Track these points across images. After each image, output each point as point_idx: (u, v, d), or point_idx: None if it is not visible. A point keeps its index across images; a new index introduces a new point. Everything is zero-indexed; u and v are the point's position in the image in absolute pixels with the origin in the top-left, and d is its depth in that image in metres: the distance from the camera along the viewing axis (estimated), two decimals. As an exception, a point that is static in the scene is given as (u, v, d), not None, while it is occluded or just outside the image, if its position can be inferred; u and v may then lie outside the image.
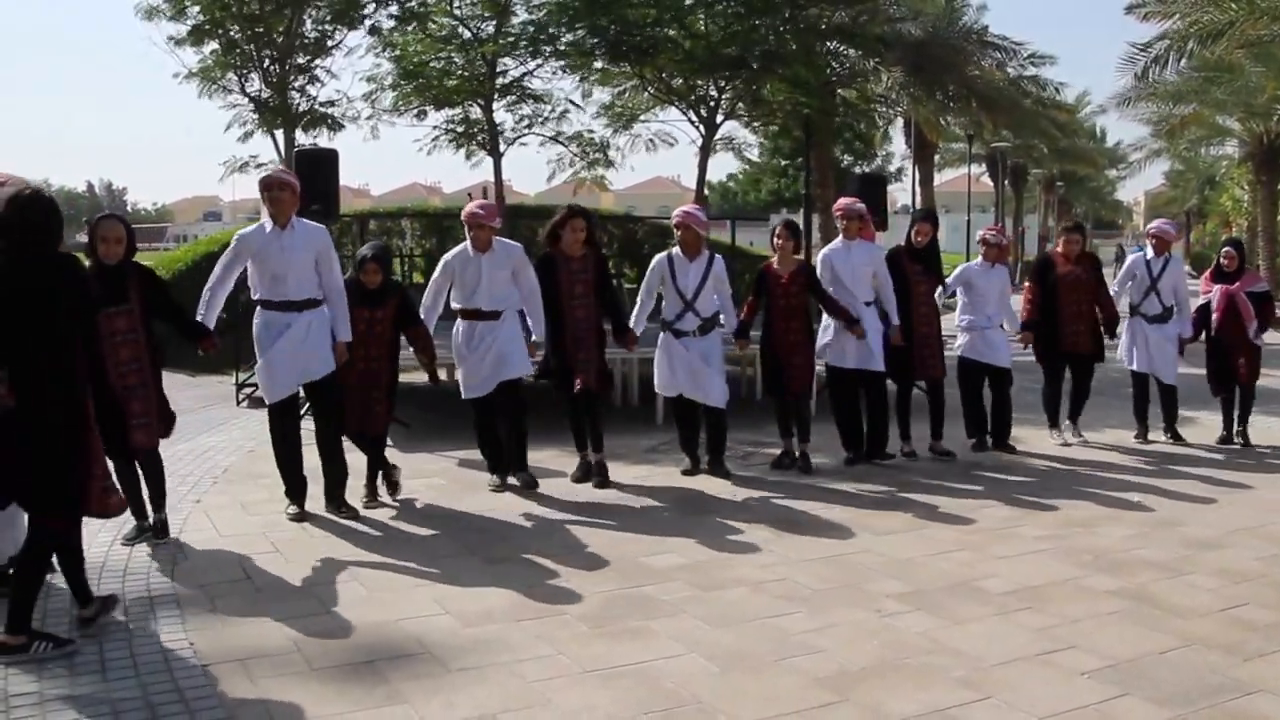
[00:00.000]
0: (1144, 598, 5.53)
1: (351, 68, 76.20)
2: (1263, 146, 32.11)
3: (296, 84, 21.35)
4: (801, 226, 13.68)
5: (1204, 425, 10.47)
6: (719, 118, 23.08)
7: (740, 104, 23.08)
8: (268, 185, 6.81)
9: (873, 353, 8.48)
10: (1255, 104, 29.38)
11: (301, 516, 6.86)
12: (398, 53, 21.01)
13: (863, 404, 8.73)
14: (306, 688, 4.34)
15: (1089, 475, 8.41)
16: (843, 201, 8.82)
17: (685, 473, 8.28)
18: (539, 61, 21.17)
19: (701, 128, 22.94)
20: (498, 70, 20.89)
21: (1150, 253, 9.85)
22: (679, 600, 5.44)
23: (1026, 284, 9.52)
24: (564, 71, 21.77)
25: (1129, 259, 10.28)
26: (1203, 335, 9.85)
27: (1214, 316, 9.72)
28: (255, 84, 21.29)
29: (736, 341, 8.54)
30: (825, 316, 8.67)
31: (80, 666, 4.48)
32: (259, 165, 23.09)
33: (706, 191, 25.68)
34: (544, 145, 22.77)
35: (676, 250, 8.18)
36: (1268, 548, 6.46)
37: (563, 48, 20.80)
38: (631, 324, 8.20)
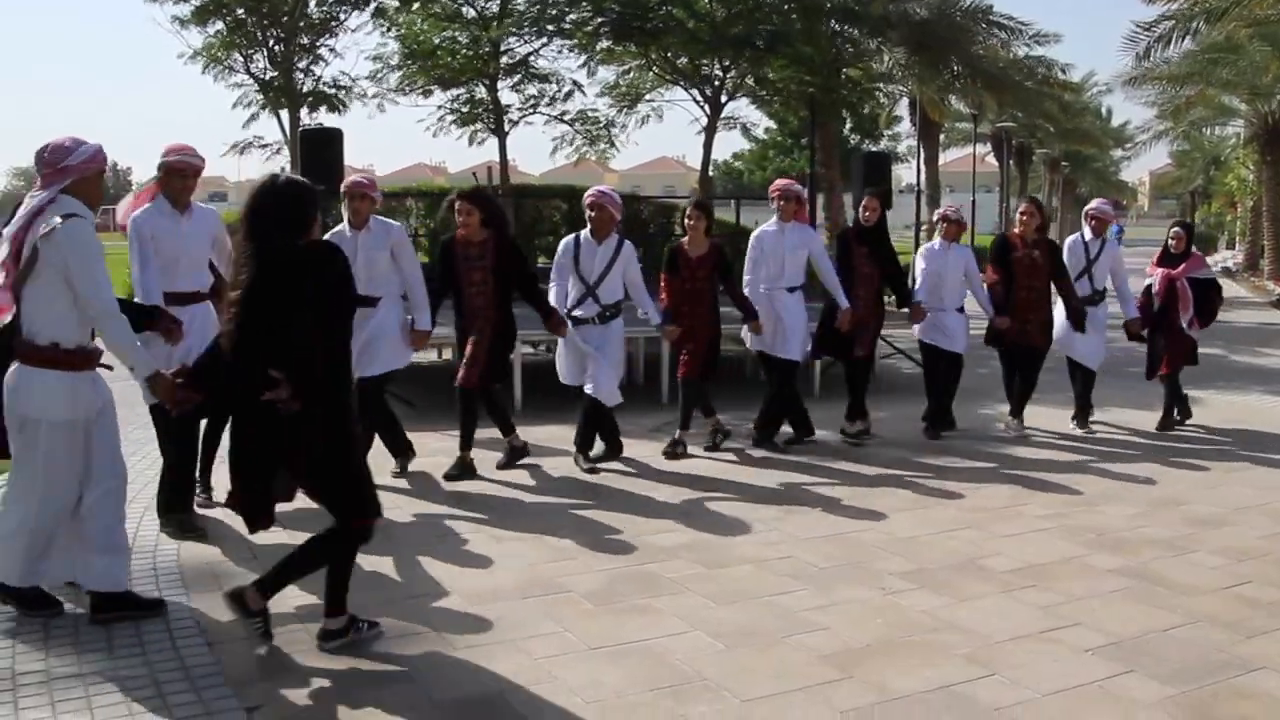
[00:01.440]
0: (1147, 575, 5.54)
1: (356, 47, 76.00)
2: (1268, 127, 31.99)
3: (301, 64, 21.33)
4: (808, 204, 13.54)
5: (1210, 405, 10.47)
6: (724, 97, 23.04)
7: (745, 83, 23.03)
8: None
9: (786, 340, 8.23)
10: (1260, 84, 29.24)
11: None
12: (402, 32, 20.98)
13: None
14: (312, 665, 4.36)
15: (1092, 454, 8.41)
16: (779, 182, 8.51)
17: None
18: (544, 41, 21.14)
19: (706, 107, 22.90)
20: (502, 50, 20.85)
21: (1089, 233, 9.38)
22: (684, 578, 5.46)
23: (988, 267, 9.09)
24: (569, 51, 21.74)
25: (1068, 242, 9.64)
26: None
27: (1155, 301, 9.37)
28: (260, 64, 21.29)
29: (664, 330, 8.17)
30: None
31: (86, 644, 4.50)
32: (263, 145, 23.11)
33: (712, 171, 25.63)
34: (549, 125, 22.75)
35: (586, 232, 7.79)
36: (1271, 525, 6.47)
37: (567, 27, 20.76)
38: (554, 304, 7.75)
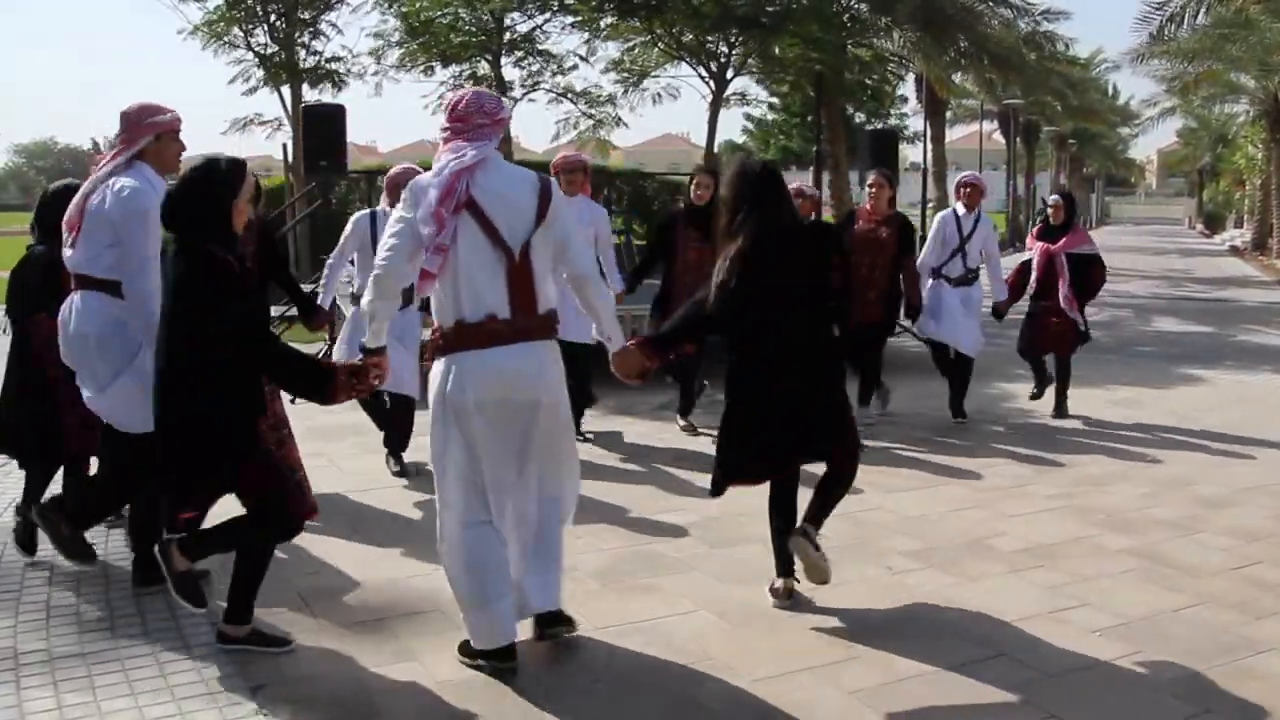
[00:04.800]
0: (1156, 556, 5.51)
1: (357, 23, 75.66)
2: (1277, 104, 31.85)
3: (302, 39, 21.22)
4: (812, 184, 13.40)
5: (1217, 385, 10.44)
6: (729, 74, 22.93)
7: (751, 60, 22.92)
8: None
9: (569, 323, 7.70)
10: (1270, 61, 29.09)
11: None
12: (404, 9, 20.87)
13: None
14: (317, 645, 4.34)
15: (1099, 434, 8.37)
16: (563, 154, 8.03)
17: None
18: (547, 16, 21.03)
19: (712, 84, 22.78)
20: (505, 25, 20.74)
21: (961, 209, 8.70)
22: (690, 557, 5.43)
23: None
24: (572, 28, 21.63)
25: (938, 218, 9.02)
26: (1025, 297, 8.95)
27: (1033, 276, 8.82)
28: (261, 39, 21.17)
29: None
30: None
31: (89, 625, 4.49)
32: (263, 122, 23.01)
33: (717, 149, 25.54)
34: (552, 102, 22.67)
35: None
36: (1279, 506, 6.43)
37: (570, 2, 20.64)
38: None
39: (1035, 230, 9.11)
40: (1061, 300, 8.61)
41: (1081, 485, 6.88)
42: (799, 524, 4.71)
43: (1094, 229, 71.39)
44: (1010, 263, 9.81)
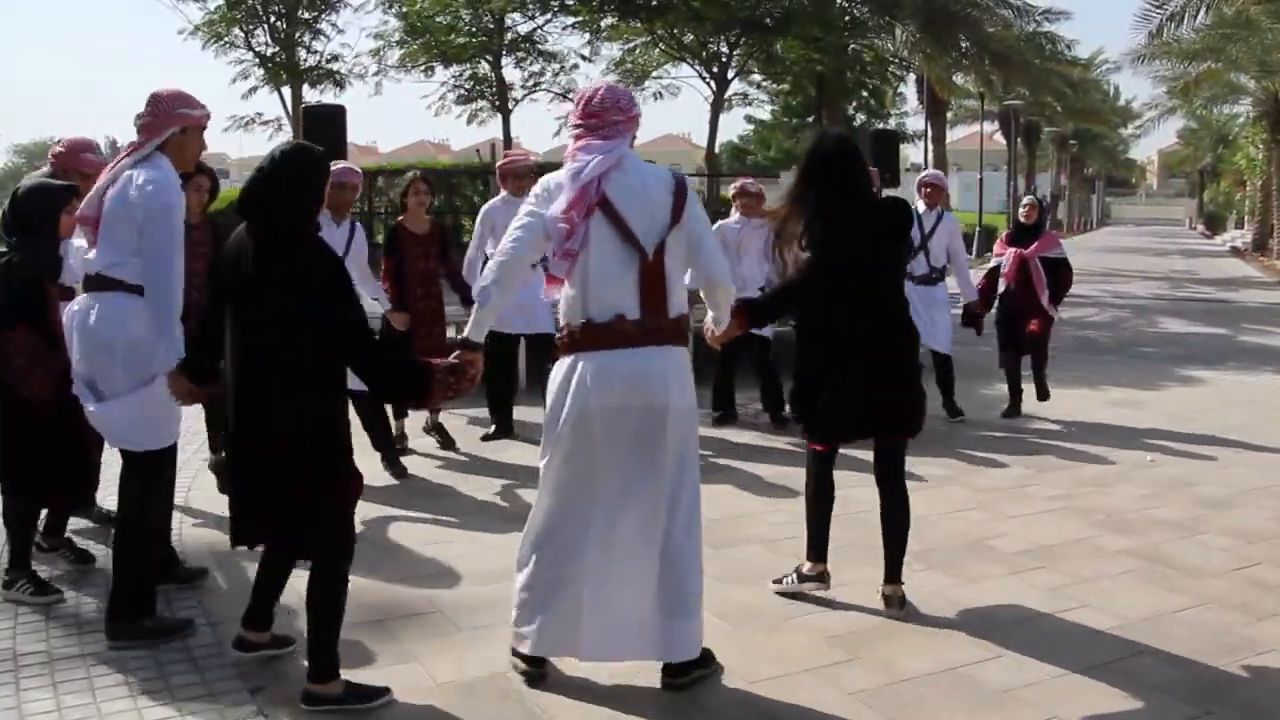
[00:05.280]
0: (1157, 557, 5.51)
1: (358, 23, 75.66)
2: (1277, 104, 31.82)
3: (302, 39, 21.23)
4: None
5: (1218, 386, 10.43)
6: (731, 74, 22.93)
7: (752, 61, 22.93)
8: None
9: (536, 315, 7.53)
10: (1271, 61, 29.07)
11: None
12: (405, 9, 20.87)
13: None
14: (318, 645, 4.33)
15: (1100, 435, 8.36)
16: (509, 157, 8.04)
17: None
18: (548, 17, 21.04)
19: (713, 84, 22.78)
20: (506, 26, 20.75)
21: (922, 205, 8.65)
22: (690, 558, 5.42)
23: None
24: (573, 28, 21.64)
25: None
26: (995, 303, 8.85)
27: (1003, 281, 8.73)
28: (261, 39, 21.18)
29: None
30: None
31: (89, 627, 4.48)
32: (264, 122, 23.04)
33: (718, 149, 25.54)
34: (553, 102, 22.69)
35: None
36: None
37: (570, 3, 20.64)
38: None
39: (1005, 235, 9.00)
40: (1044, 302, 8.59)
41: (1082, 486, 6.88)
42: (890, 590, 4.78)
43: (1094, 230, 71.50)
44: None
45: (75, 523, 5.55)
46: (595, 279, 3.83)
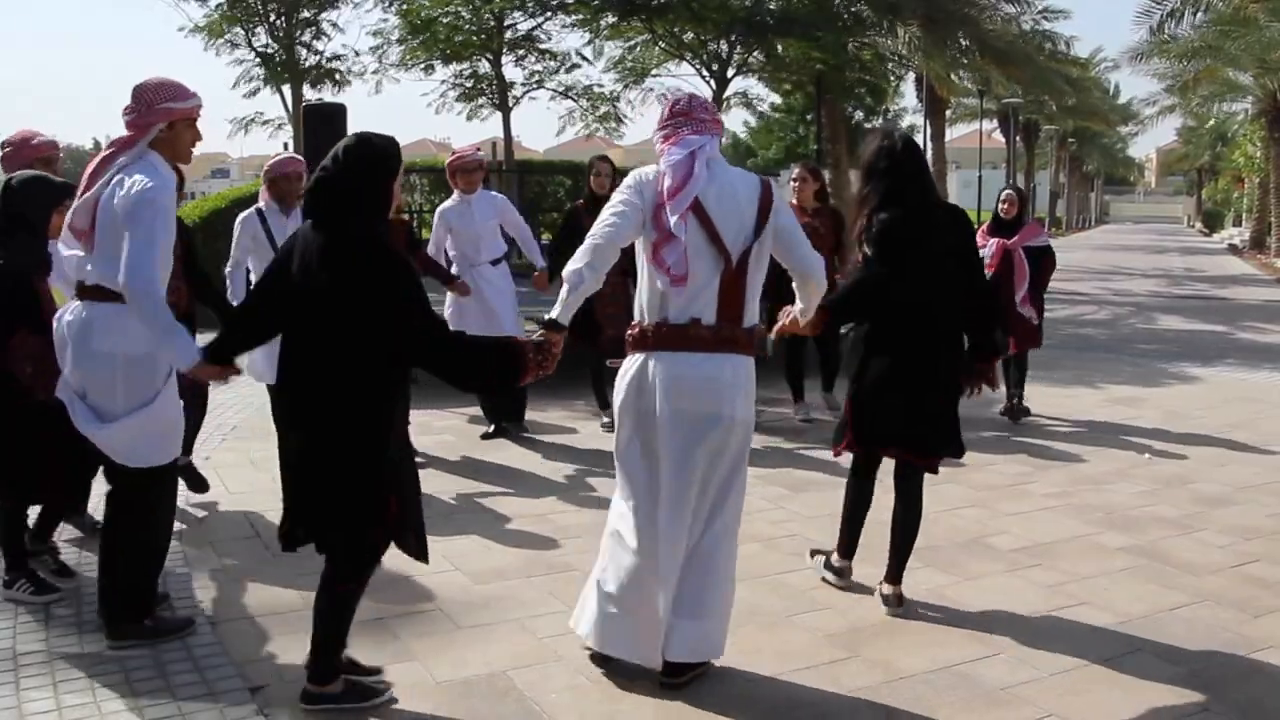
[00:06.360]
0: (1155, 554, 5.52)
1: (358, 21, 75.52)
2: (1276, 103, 31.84)
3: (303, 39, 21.24)
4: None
5: (1216, 383, 10.43)
6: (730, 73, 22.93)
7: (751, 60, 22.94)
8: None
9: (496, 313, 7.56)
10: (1269, 59, 29.06)
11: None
12: (405, 6, 20.86)
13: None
14: (317, 643, 4.34)
15: (1098, 432, 8.37)
16: (458, 153, 7.91)
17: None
18: (547, 15, 21.04)
19: (713, 83, 22.79)
20: (506, 24, 20.74)
21: None
22: (689, 557, 5.42)
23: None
24: (573, 27, 21.65)
25: None
26: None
27: (987, 272, 8.27)
28: (262, 38, 21.19)
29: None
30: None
31: (88, 625, 4.47)
32: (265, 122, 23.04)
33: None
34: (554, 100, 22.70)
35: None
36: (1278, 504, 6.44)
37: (569, 2, 20.64)
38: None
39: (985, 227, 8.87)
40: (1018, 299, 8.46)
41: (1080, 484, 6.88)
42: (890, 590, 4.80)
43: (1093, 228, 71.47)
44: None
45: (63, 529, 5.53)
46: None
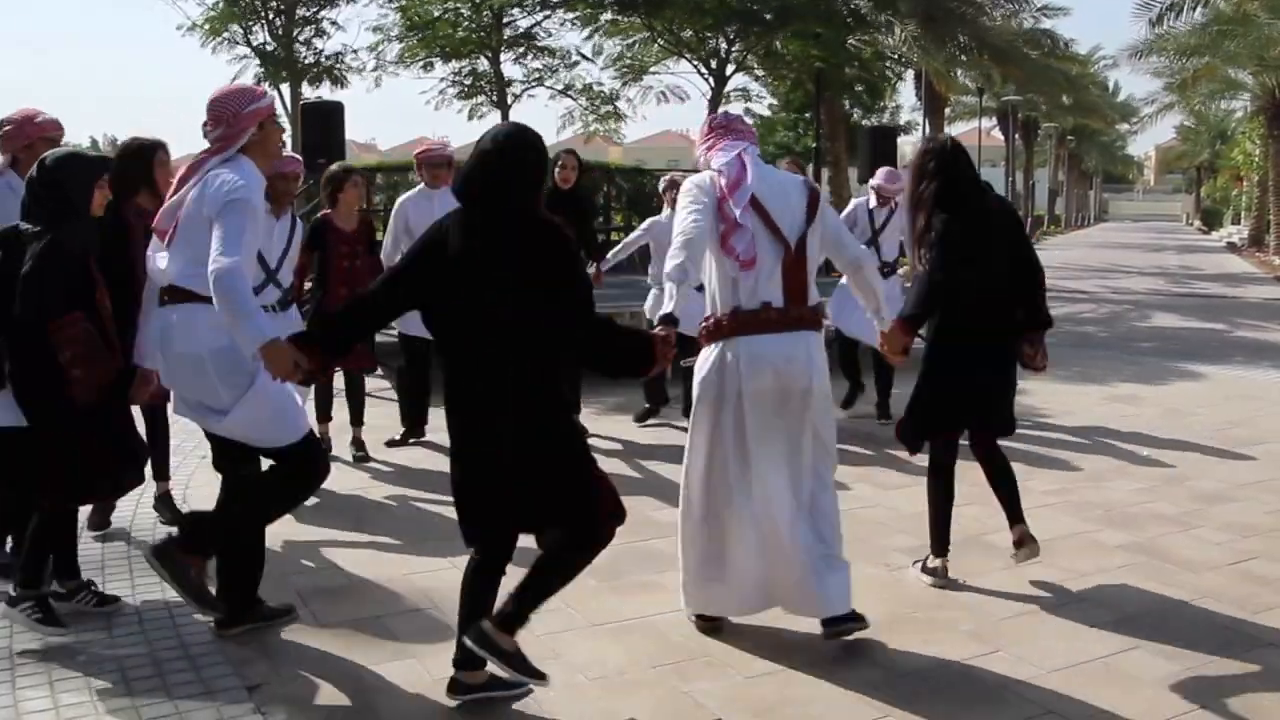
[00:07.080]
0: (1153, 551, 5.51)
1: (357, 18, 75.44)
2: (1275, 100, 31.84)
3: (302, 36, 21.23)
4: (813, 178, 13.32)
5: (1215, 381, 10.42)
6: (729, 70, 22.93)
7: (750, 56, 22.95)
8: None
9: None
10: (1268, 57, 29.04)
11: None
12: (404, 3, 20.86)
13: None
14: (313, 643, 4.33)
15: (1096, 430, 8.36)
16: (425, 147, 7.77)
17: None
18: (546, 14, 21.04)
19: (711, 80, 22.79)
20: (505, 21, 20.74)
21: (873, 200, 8.57)
22: (687, 554, 5.41)
23: None
24: (572, 23, 21.64)
25: (852, 203, 8.87)
26: None
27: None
28: (260, 36, 21.17)
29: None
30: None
31: (86, 624, 4.47)
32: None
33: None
34: (553, 99, 22.71)
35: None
36: (1276, 501, 6.43)
37: (569, -2, 20.64)
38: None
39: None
40: None
41: (1079, 481, 6.88)
42: (1019, 532, 5.07)
43: (1092, 226, 71.49)
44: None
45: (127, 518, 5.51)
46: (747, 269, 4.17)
